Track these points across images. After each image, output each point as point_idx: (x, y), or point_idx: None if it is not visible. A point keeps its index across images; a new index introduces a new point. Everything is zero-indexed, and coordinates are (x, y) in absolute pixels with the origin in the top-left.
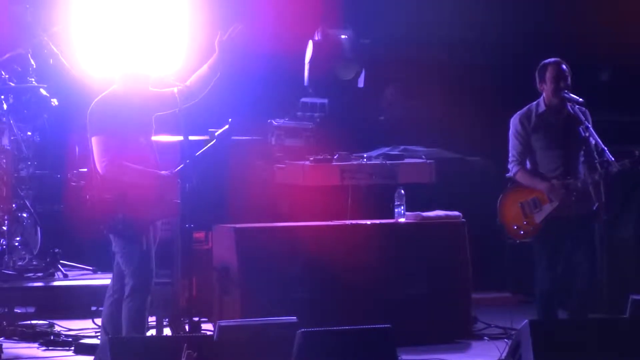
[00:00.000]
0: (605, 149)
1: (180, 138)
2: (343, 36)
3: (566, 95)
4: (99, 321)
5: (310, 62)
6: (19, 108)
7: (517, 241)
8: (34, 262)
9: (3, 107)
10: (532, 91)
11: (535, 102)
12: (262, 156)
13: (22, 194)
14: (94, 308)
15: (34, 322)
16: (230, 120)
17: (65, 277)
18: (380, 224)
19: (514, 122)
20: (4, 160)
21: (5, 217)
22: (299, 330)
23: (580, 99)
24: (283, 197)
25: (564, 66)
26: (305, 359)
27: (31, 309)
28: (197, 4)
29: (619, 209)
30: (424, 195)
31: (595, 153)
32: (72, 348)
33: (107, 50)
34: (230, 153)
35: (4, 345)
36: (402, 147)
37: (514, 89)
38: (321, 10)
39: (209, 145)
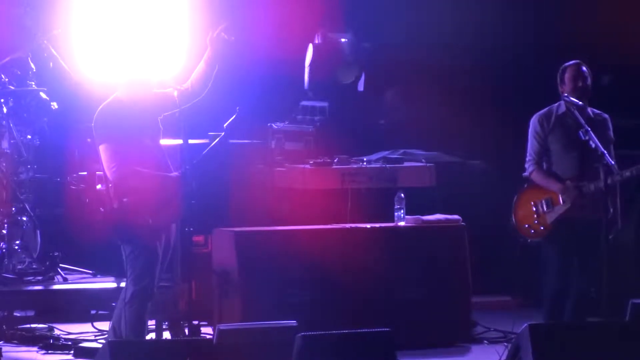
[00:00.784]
0: (605, 152)
1: (180, 141)
2: (343, 40)
3: (566, 98)
4: (98, 325)
5: (311, 65)
6: (18, 111)
7: (529, 240)
8: (34, 266)
9: (3, 111)
10: (532, 94)
11: (557, 104)
12: (262, 160)
13: (21, 197)
14: (93, 312)
15: (33, 325)
16: (238, 108)
17: (65, 280)
18: (380, 227)
19: (534, 121)
20: (4, 164)
21: (5, 221)
22: (299, 334)
23: (580, 102)
24: (283, 201)
25: (583, 67)
26: None
27: (31, 313)
28: (197, 8)
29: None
30: (424, 199)
31: (595, 157)
32: (72, 352)
33: (106, 54)
34: (230, 156)
35: (4, 349)
36: (402, 150)
37: (514, 93)
38: (321, 13)
39: (218, 138)
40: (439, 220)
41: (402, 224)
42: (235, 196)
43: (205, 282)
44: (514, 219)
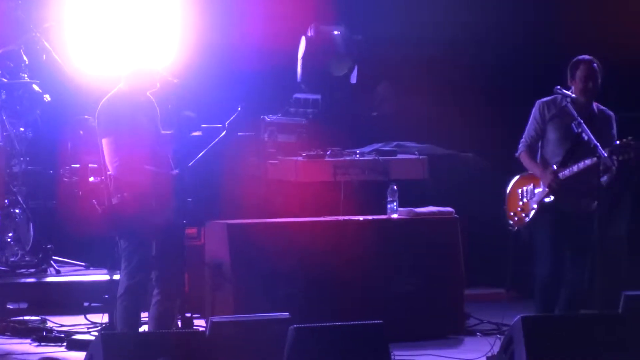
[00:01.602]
0: (598, 145)
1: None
2: (336, 32)
3: (559, 90)
4: (91, 317)
5: (303, 58)
6: (11, 104)
7: (516, 228)
8: (27, 258)
9: None
10: (525, 86)
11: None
12: (255, 152)
13: (14, 189)
14: (86, 304)
15: (26, 318)
16: (239, 108)
17: (58, 273)
18: (373, 219)
19: (535, 107)
20: None
21: None
22: (291, 326)
23: (573, 95)
24: (275, 193)
25: (595, 65)
26: (298, 354)
27: (24, 305)
28: (189, 1)
29: (613, 205)
30: (416, 191)
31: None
32: (65, 344)
33: (99, 46)
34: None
35: None
36: (394, 143)
37: (506, 85)
38: (314, 6)
39: (220, 136)
40: (431, 213)
41: (394, 216)
42: (228, 189)
43: (198, 275)
44: (505, 207)
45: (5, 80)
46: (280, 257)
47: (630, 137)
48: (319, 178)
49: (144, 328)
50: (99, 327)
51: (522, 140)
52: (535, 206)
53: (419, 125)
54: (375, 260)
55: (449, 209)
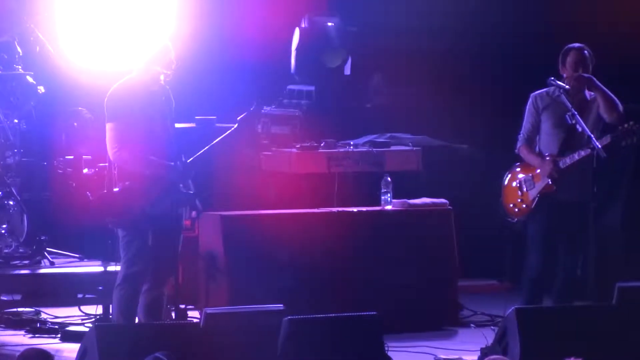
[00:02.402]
0: (592, 136)
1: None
2: (330, 24)
3: (552, 82)
4: (85, 308)
5: (297, 49)
6: (5, 95)
7: (515, 219)
8: (21, 250)
9: None
10: (519, 77)
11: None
12: (249, 144)
13: (8, 181)
14: (80, 295)
15: (20, 309)
16: (255, 104)
17: (52, 264)
18: (367, 211)
19: (530, 99)
20: None
21: None
22: (286, 318)
23: (567, 86)
24: (269, 185)
25: (586, 52)
26: (292, 346)
27: (17, 297)
28: None
29: (607, 196)
30: (410, 183)
31: (582, 140)
32: (59, 335)
33: (93, 37)
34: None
35: None
36: (388, 134)
37: (501, 76)
38: None
39: (231, 130)
40: (425, 204)
41: (388, 207)
42: (222, 180)
43: (192, 266)
44: (502, 198)
45: None
46: (274, 249)
47: (632, 122)
48: (313, 169)
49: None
50: (93, 319)
51: (520, 135)
52: (536, 196)
53: (413, 116)
54: (369, 251)
55: (443, 200)
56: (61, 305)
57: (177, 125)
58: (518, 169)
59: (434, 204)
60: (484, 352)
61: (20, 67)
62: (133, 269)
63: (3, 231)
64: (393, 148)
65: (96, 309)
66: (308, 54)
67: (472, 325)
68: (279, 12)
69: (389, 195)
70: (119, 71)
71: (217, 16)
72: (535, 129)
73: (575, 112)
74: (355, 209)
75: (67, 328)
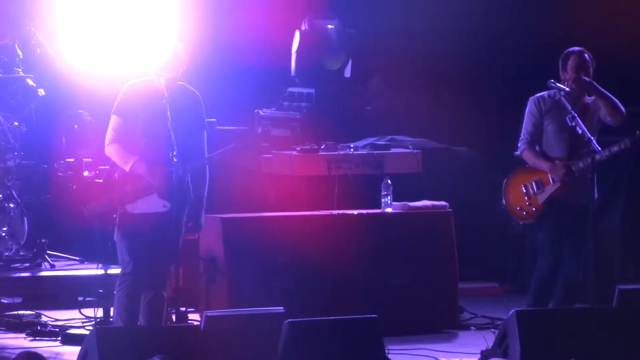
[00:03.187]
0: (592, 138)
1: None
2: (330, 26)
3: (553, 84)
4: (85, 311)
5: (297, 52)
6: (5, 98)
7: (521, 222)
8: (21, 253)
9: None
10: (518, 80)
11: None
12: (249, 146)
13: (9, 184)
14: (80, 298)
15: (20, 312)
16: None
17: (52, 267)
18: (367, 214)
19: (530, 102)
20: None
21: None
22: (286, 321)
23: (567, 89)
24: (270, 187)
25: (586, 56)
26: (292, 349)
27: (18, 300)
28: None
29: (606, 200)
30: (410, 185)
31: (583, 142)
32: (59, 338)
33: (93, 40)
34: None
35: None
36: (388, 137)
37: (500, 79)
38: (308, 0)
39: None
40: (425, 207)
41: (388, 210)
42: (222, 183)
43: (192, 269)
44: (505, 203)
45: None
46: (275, 251)
47: None
48: (313, 172)
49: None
50: (94, 322)
51: (522, 138)
52: (546, 200)
53: (413, 119)
54: (369, 254)
55: (443, 202)
56: (61, 308)
57: None
58: (520, 172)
59: (434, 206)
60: (484, 355)
61: (20, 69)
62: (127, 270)
63: (4, 234)
64: (393, 150)
65: (96, 312)
66: (308, 57)
67: (472, 327)
68: (279, 14)
69: (389, 197)
70: (119, 74)
71: (217, 19)
72: (538, 131)
73: (575, 115)
74: (355, 212)
75: (68, 331)
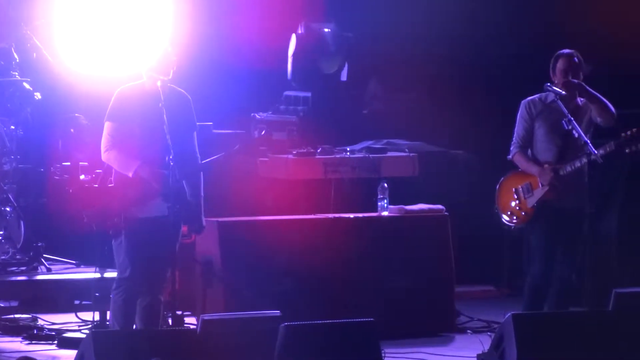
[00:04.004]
0: (588, 142)
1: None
2: (326, 30)
3: (549, 87)
4: (82, 315)
5: (294, 55)
6: (2, 102)
7: (512, 227)
8: (18, 256)
9: None
10: (515, 83)
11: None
12: (246, 150)
13: (5, 187)
14: (77, 302)
15: (17, 316)
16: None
17: (49, 271)
18: (364, 217)
19: (522, 105)
20: None
21: None
22: (282, 324)
23: (563, 92)
24: (266, 191)
25: (575, 59)
26: (289, 352)
27: (14, 303)
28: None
29: (603, 203)
30: (407, 189)
31: (578, 146)
32: (56, 342)
33: (90, 44)
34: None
35: None
36: (385, 140)
37: (497, 82)
38: (304, 3)
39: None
40: (422, 210)
41: (385, 213)
42: (219, 186)
43: (188, 272)
44: (497, 206)
45: None
46: (271, 255)
47: (635, 129)
48: (309, 175)
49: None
50: (90, 325)
51: (513, 142)
52: (535, 204)
53: (409, 122)
54: (365, 257)
55: (439, 206)
56: (58, 311)
57: None
58: (512, 176)
59: (430, 210)
60: (481, 358)
61: (17, 73)
62: (125, 274)
63: (0, 238)
64: (389, 154)
65: (93, 316)
66: (305, 60)
67: (468, 331)
68: (275, 18)
69: (385, 201)
70: (115, 77)
71: (213, 22)
72: (529, 135)
73: (572, 118)
74: (351, 215)
75: (64, 334)
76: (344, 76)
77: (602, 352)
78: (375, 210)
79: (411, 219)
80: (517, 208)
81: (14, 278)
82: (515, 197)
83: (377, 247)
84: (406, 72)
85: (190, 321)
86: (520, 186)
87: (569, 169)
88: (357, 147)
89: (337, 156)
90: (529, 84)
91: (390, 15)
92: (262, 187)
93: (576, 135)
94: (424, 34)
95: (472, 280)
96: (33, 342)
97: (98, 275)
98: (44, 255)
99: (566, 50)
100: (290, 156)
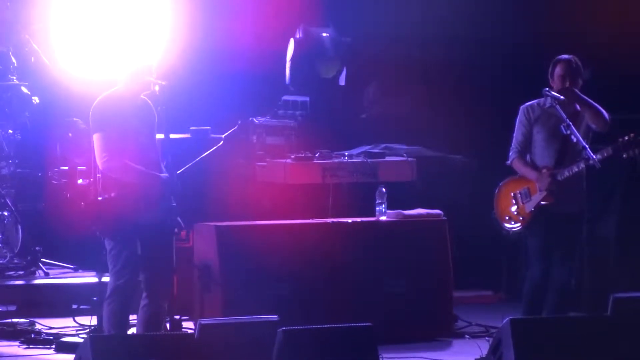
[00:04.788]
0: (587, 147)
1: (161, 136)
2: (324, 34)
3: (547, 92)
4: (80, 319)
5: (292, 60)
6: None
7: (510, 232)
8: (15, 261)
9: None
10: (513, 88)
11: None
12: (244, 154)
13: (3, 192)
14: (75, 306)
15: (14, 320)
16: (239, 123)
17: (47, 275)
18: (362, 222)
19: (520, 111)
20: None
21: None
22: (280, 329)
23: (562, 97)
24: (264, 195)
25: (574, 64)
26: (286, 357)
27: (12, 308)
28: (178, 2)
29: (601, 207)
30: (405, 194)
31: (576, 151)
32: (53, 346)
33: (87, 49)
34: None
35: None
36: (383, 145)
37: (495, 87)
38: (302, 8)
39: (216, 147)
40: (420, 215)
41: (383, 218)
42: (217, 191)
43: (186, 277)
44: (495, 211)
45: None
46: (269, 260)
47: (632, 134)
48: (307, 180)
49: (132, 331)
50: (88, 330)
51: (512, 147)
52: (533, 209)
53: (407, 127)
54: (364, 262)
55: (437, 211)
56: (56, 316)
57: (171, 135)
58: (511, 182)
59: (428, 214)
60: None
61: (15, 77)
62: (122, 281)
63: None
64: (388, 159)
65: (91, 320)
66: (303, 65)
67: (466, 336)
68: (273, 22)
69: (383, 206)
70: (114, 82)
71: (211, 27)
72: (528, 140)
73: (570, 123)
74: (349, 220)
75: (62, 339)
76: (342, 81)
77: (600, 357)
78: (374, 215)
79: (409, 224)
80: (516, 213)
81: (11, 282)
82: (514, 202)
83: (375, 252)
84: (404, 76)
85: (188, 326)
86: (518, 191)
87: (567, 173)
88: (355, 151)
89: (336, 161)
90: (528, 89)
91: (388, 20)
92: (260, 191)
93: (574, 140)
94: (422, 39)
95: (470, 285)
96: (31, 346)
97: (96, 279)
98: (42, 259)
99: (565, 56)
100: (288, 161)
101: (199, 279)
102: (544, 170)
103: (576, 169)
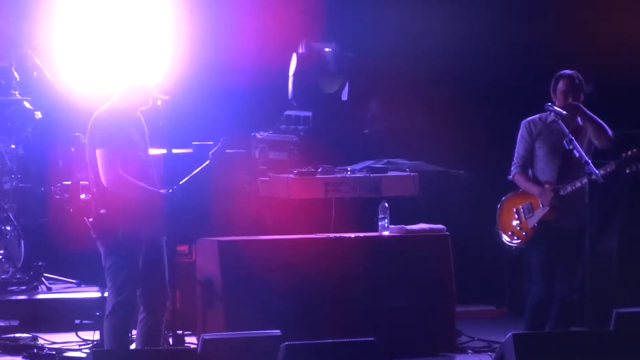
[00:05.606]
0: (589, 161)
1: (164, 151)
2: (327, 49)
3: (550, 107)
4: (82, 334)
5: (294, 75)
6: (2, 121)
7: (513, 247)
8: (18, 275)
9: None
10: (515, 102)
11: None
12: (246, 169)
13: (5, 207)
14: (77, 321)
15: (17, 335)
16: (222, 139)
17: (49, 290)
18: (364, 237)
19: (522, 125)
20: None
21: None
22: (283, 344)
23: (564, 112)
24: (267, 210)
25: (576, 80)
26: None
27: (15, 322)
28: (180, 17)
29: (604, 222)
30: (407, 208)
31: (578, 166)
32: None
33: (90, 64)
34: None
35: None
36: (385, 160)
37: (497, 102)
38: (305, 23)
39: (203, 165)
40: (423, 230)
41: (386, 233)
42: (219, 205)
43: (189, 292)
44: (498, 226)
45: None
46: (272, 274)
47: (635, 149)
48: (310, 195)
49: (132, 346)
50: (91, 345)
51: (514, 162)
52: (535, 224)
53: (410, 142)
54: (366, 277)
55: (440, 226)
56: (58, 330)
57: (174, 150)
58: (513, 197)
59: (431, 229)
60: None
61: (17, 92)
62: (122, 296)
63: (0, 257)
64: (390, 173)
65: (93, 335)
66: (305, 80)
67: (469, 351)
68: (276, 38)
69: (386, 220)
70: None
71: (214, 42)
72: (530, 155)
73: (573, 138)
74: (352, 235)
75: (65, 354)
76: (344, 96)
77: None
78: (376, 230)
79: (412, 239)
80: (518, 228)
81: (14, 297)
82: (516, 217)
83: (378, 267)
84: (407, 91)
85: (191, 341)
86: (521, 206)
87: (569, 189)
88: (358, 166)
89: (338, 176)
90: (530, 104)
91: (390, 35)
92: (263, 206)
93: (577, 155)
94: (425, 54)
95: (473, 299)
96: None
97: (99, 294)
98: (45, 274)
99: (567, 71)
100: (291, 176)
101: (201, 294)
102: (547, 186)
103: (579, 184)
